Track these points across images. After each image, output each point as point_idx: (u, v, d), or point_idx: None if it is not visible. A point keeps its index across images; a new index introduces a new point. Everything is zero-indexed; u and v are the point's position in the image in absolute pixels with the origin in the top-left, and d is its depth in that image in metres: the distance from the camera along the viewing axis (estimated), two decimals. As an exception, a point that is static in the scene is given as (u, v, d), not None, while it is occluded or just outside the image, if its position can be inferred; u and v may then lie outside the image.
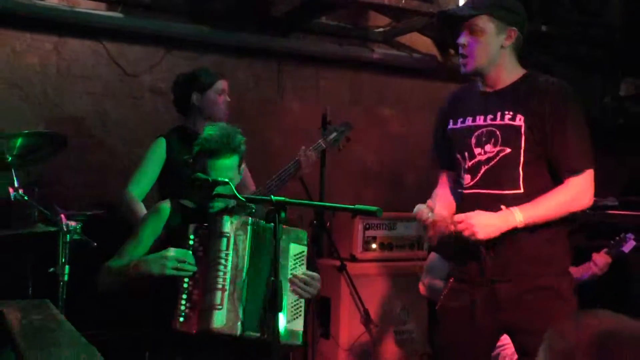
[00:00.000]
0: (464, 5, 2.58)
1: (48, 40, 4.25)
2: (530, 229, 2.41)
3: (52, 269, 3.07)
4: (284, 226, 2.46)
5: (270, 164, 3.71)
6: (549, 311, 2.35)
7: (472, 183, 2.55)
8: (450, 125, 2.66)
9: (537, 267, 2.45)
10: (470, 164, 2.55)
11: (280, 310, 2.14)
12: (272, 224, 2.19)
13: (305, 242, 2.67)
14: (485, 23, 2.49)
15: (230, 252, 2.47)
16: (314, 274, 2.67)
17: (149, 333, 2.67)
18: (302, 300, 2.60)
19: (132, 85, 4.46)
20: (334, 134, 3.72)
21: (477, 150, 2.54)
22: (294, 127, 4.63)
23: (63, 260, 3.07)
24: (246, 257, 2.50)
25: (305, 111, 4.60)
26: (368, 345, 4.18)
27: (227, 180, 2.44)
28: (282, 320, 2.48)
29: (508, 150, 2.48)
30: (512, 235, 2.39)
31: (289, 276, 2.55)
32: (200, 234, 2.51)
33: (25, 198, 3.14)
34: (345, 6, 4.64)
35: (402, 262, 4.37)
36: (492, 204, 2.44)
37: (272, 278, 2.17)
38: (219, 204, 2.56)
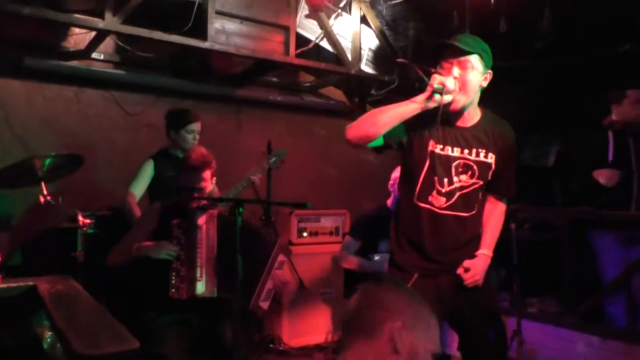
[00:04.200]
0: (457, 41, 2.08)
1: (70, 90, 4.15)
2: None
3: (72, 254, 2.99)
4: (283, 243, 2.67)
5: (231, 179, 3.66)
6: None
7: (445, 205, 2.18)
8: (434, 148, 2.18)
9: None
10: (448, 189, 2.17)
11: (240, 276, 2.12)
12: (235, 216, 2.17)
13: (289, 256, 2.79)
14: (477, 62, 2.09)
15: (204, 238, 2.45)
16: (288, 278, 2.72)
17: (144, 299, 2.61)
18: (274, 291, 2.63)
19: (132, 121, 4.37)
20: (274, 158, 3.73)
21: (455, 179, 2.17)
22: (247, 152, 4.60)
23: (80, 247, 3.00)
24: (216, 240, 2.48)
25: (255, 141, 4.58)
26: (302, 303, 4.18)
27: (202, 187, 2.44)
28: (258, 297, 2.51)
29: (481, 182, 2.20)
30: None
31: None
32: (182, 226, 2.49)
33: (52, 203, 3.03)
34: (283, 67, 4.63)
35: (324, 244, 4.36)
36: (457, 225, 2.20)
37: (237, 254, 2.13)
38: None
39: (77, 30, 4.03)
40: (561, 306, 3.68)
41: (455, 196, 2.18)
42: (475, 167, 2.19)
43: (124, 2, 3.58)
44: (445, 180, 2.17)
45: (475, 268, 2.20)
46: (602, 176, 3.40)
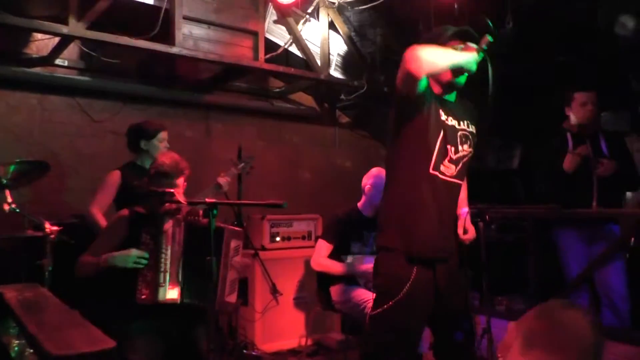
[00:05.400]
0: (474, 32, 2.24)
1: (34, 97, 4.07)
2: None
3: (39, 262, 2.92)
4: (231, 228, 2.50)
5: (200, 186, 3.62)
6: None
7: (454, 173, 2.25)
8: (444, 118, 2.23)
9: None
10: (456, 157, 2.23)
11: (214, 281, 2.10)
12: (208, 219, 2.16)
13: (242, 238, 2.65)
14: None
15: (169, 242, 2.43)
16: (247, 260, 2.65)
17: (112, 306, 2.54)
18: (237, 279, 2.57)
19: (98, 129, 4.30)
20: (242, 164, 3.76)
21: (459, 148, 2.25)
22: (217, 158, 4.58)
23: (47, 256, 2.91)
24: (182, 245, 2.45)
25: (225, 147, 4.57)
26: (275, 308, 4.17)
27: (172, 191, 2.42)
28: (223, 293, 2.45)
29: (472, 152, 2.31)
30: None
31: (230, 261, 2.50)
32: (150, 231, 2.46)
33: (17, 211, 2.95)
34: (252, 73, 4.63)
35: (297, 249, 4.37)
36: (456, 192, 2.31)
37: (208, 257, 2.11)
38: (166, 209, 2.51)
39: (39, 36, 3.97)
40: (527, 303, 3.77)
41: (459, 165, 2.26)
42: (470, 138, 2.29)
43: (89, 7, 3.54)
44: (453, 149, 2.23)
45: (471, 226, 2.44)
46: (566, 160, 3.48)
